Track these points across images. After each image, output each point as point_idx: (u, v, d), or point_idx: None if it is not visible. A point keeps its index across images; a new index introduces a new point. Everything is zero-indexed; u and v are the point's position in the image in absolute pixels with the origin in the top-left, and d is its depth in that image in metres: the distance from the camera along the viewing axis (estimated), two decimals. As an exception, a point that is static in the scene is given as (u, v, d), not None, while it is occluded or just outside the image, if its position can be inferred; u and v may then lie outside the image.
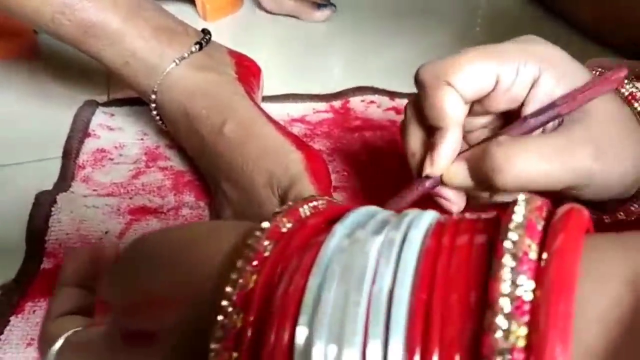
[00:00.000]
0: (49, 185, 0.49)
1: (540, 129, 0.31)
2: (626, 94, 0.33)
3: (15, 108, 0.59)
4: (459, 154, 0.32)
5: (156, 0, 0.51)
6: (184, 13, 0.73)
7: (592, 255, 0.15)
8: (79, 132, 0.55)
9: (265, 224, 0.18)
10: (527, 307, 0.14)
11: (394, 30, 0.77)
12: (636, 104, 0.33)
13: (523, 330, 0.13)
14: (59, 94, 0.61)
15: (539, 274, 0.14)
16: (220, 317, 0.17)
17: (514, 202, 0.16)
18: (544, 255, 0.14)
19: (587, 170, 0.29)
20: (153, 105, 0.49)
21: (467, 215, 0.17)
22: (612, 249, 0.15)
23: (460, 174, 0.31)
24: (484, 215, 0.17)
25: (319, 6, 0.76)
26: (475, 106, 0.32)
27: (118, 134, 0.55)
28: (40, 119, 0.57)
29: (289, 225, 0.19)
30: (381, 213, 0.19)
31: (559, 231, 0.15)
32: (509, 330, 0.13)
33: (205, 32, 0.52)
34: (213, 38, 0.52)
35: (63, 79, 0.63)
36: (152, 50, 0.47)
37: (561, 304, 0.13)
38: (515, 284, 0.14)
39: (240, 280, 0.17)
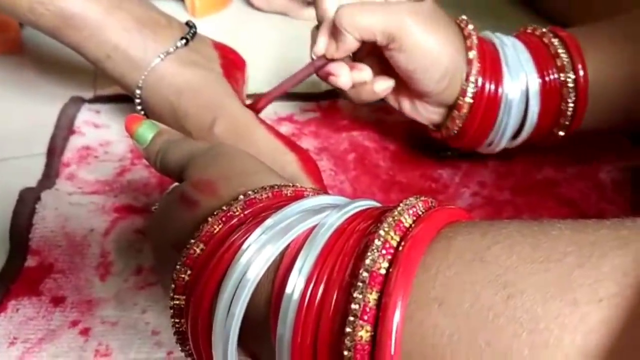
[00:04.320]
0: (33, 183, 0.49)
1: None
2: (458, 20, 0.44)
3: (-1, 104, 0.59)
4: None
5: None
6: (172, 9, 0.73)
7: None
8: (63, 129, 0.54)
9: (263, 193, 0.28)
10: (390, 254, 0.21)
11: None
12: (461, 24, 0.44)
13: (386, 264, 0.21)
14: (44, 89, 0.60)
15: (396, 253, 0.21)
16: (193, 239, 0.26)
17: (397, 205, 0.23)
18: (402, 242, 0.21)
19: (401, 20, 0.40)
20: (138, 100, 0.48)
21: (384, 208, 0.25)
22: None
23: (332, 44, 0.43)
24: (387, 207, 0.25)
25: (309, 4, 0.75)
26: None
27: (104, 131, 0.55)
28: (24, 115, 0.57)
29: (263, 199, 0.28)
30: (343, 201, 0.27)
31: (419, 224, 0.22)
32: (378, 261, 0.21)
33: (190, 25, 0.51)
34: (201, 35, 0.52)
35: (48, 74, 0.62)
36: (136, 44, 0.47)
37: (413, 251, 0.21)
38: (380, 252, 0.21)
39: (214, 225, 0.26)
